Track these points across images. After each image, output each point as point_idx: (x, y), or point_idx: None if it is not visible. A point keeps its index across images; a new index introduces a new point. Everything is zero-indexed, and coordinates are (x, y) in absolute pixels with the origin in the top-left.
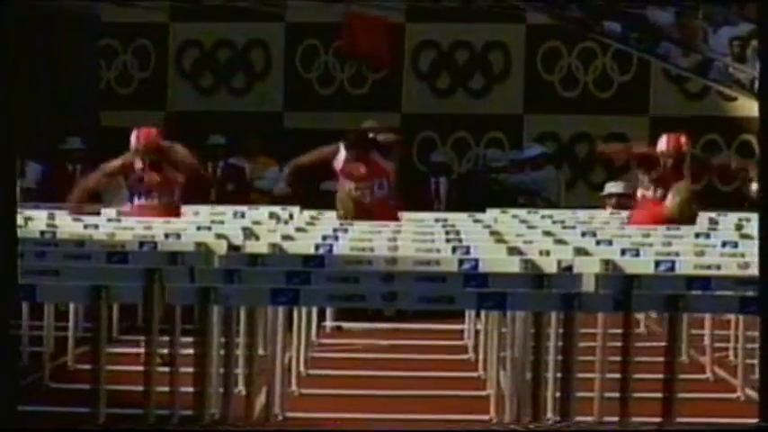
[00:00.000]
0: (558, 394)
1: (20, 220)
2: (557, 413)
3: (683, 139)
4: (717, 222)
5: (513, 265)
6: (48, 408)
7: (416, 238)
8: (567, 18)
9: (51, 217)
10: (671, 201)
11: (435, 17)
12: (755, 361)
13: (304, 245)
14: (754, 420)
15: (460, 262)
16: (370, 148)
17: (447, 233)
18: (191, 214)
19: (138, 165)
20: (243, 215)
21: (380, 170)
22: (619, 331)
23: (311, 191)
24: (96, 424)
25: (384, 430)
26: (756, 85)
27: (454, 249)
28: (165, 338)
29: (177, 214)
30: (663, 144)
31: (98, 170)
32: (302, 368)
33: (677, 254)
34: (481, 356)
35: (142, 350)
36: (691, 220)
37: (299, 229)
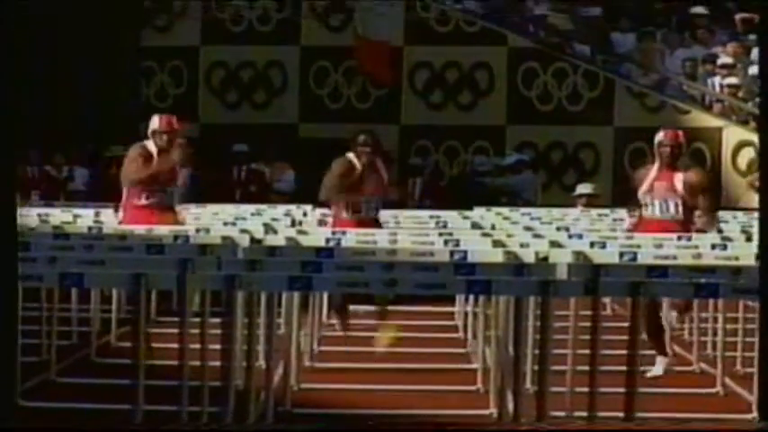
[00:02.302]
0: (536, 367)
1: (69, 218)
2: (535, 384)
3: (680, 133)
4: None
5: (497, 256)
6: (94, 380)
7: (413, 232)
8: (543, 42)
9: (97, 215)
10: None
11: (429, 41)
12: (708, 338)
13: (316, 238)
14: (712, 389)
15: (451, 253)
16: (380, 162)
17: (440, 228)
18: (210, 215)
19: (153, 149)
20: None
21: (383, 185)
22: (588, 313)
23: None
24: (135, 395)
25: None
26: (707, 99)
27: (446, 242)
28: (197, 319)
29: (174, 216)
30: (661, 135)
31: (127, 181)
32: (315, 345)
33: (638, 246)
34: (469, 335)
35: (176, 330)
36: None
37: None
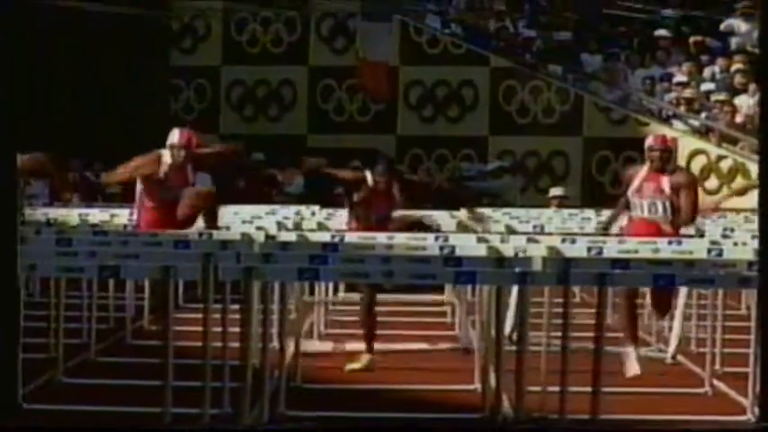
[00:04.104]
0: (514, 348)
1: (107, 217)
2: (514, 362)
3: (669, 138)
4: None
5: (481, 250)
6: (129, 359)
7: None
8: (521, 62)
9: (131, 214)
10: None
11: (422, 62)
12: (665, 323)
13: (323, 235)
14: (666, 367)
15: (441, 248)
16: (397, 188)
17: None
18: (231, 214)
19: (168, 160)
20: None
21: (392, 203)
22: (560, 300)
23: (327, 193)
24: (165, 372)
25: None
26: (664, 113)
27: (436, 238)
28: (218, 306)
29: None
30: (650, 140)
31: (126, 166)
32: (322, 328)
33: (604, 242)
34: (457, 319)
35: (201, 315)
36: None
37: (319, 223)
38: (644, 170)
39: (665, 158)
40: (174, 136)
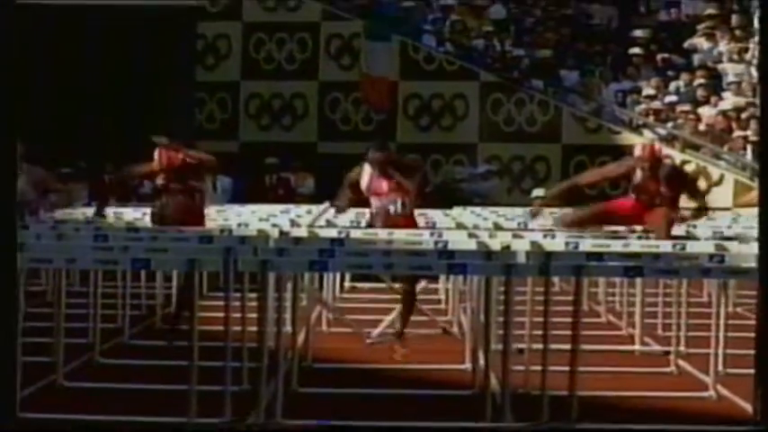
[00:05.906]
0: (501, 331)
1: (139, 215)
2: (500, 344)
3: (657, 146)
4: None
5: (471, 245)
6: (158, 342)
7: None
8: (507, 77)
9: None
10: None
11: (419, 77)
12: (635, 309)
13: (331, 231)
14: (633, 346)
15: (436, 242)
16: (392, 169)
17: (426, 223)
18: (249, 212)
19: (161, 180)
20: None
21: (402, 188)
22: (541, 289)
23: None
24: (191, 354)
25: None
26: (634, 122)
27: (432, 234)
28: (238, 294)
29: (201, 217)
30: (639, 150)
31: (128, 170)
32: (330, 314)
33: (580, 237)
34: (450, 306)
35: (222, 302)
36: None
37: (327, 221)
38: (637, 176)
39: (655, 168)
40: (155, 160)
